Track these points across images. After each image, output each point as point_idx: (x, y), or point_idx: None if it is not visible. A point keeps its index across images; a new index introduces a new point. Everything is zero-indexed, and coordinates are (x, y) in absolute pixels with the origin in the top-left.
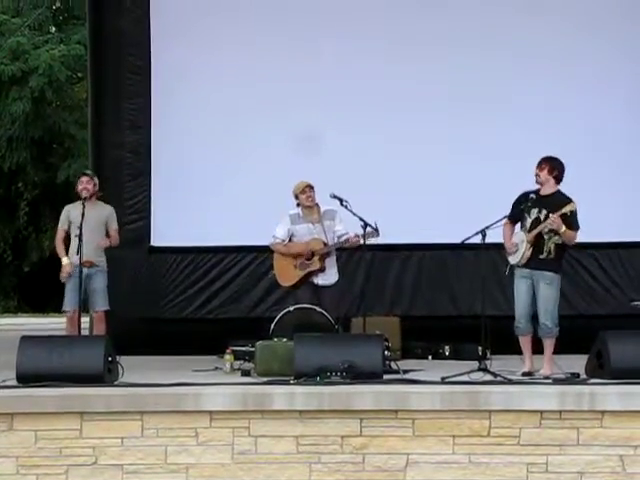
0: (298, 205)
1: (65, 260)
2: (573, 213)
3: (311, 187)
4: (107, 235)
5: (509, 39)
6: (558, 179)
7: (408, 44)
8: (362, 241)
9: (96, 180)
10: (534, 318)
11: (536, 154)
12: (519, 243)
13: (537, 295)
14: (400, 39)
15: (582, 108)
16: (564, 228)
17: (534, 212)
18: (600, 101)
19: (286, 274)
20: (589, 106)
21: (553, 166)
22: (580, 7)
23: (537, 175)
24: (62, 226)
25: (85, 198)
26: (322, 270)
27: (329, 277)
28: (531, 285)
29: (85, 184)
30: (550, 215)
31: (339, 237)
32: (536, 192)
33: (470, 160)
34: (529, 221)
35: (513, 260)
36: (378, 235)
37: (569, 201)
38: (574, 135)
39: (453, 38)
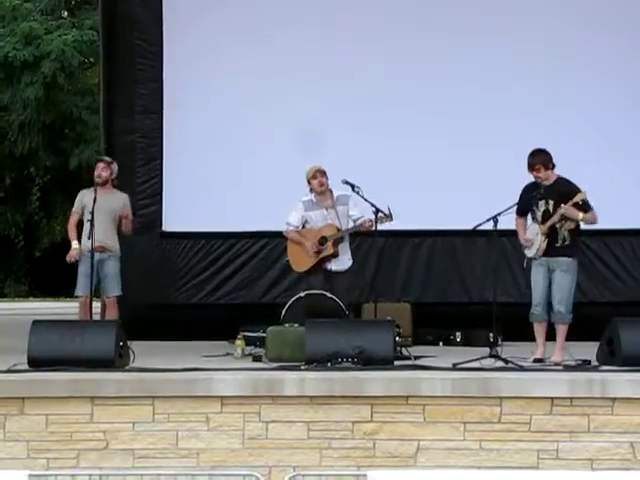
0: (311, 191)
1: (74, 244)
2: (585, 201)
3: (322, 172)
4: (120, 223)
5: (511, 32)
6: (553, 166)
7: (410, 37)
8: (375, 227)
9: (114, 167)
10: (549, 305)
11: (542, 140)
12: (533, 237)
13: (553, 282)
14: (402, 32)
15: (585, 95)
16: (582, 215)
17: (542, 204)
18: (603, 89)
19: (300, 260)
20: (593, 93)
21: (546, 160)
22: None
23: (537, 177)
24: (76, 210)
25: (98, 184)
26: (335, 255)
27: (343, 263)
28: (547, 272)
29: (100, 170)
30: (562, 205)
31: (355, 221)
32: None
33: (481, 147)
34: (539, 214)
35: (530, 253)
36: (391, 220)
37: (577, 190)
38: (580, 122)
39: (455, 32)
